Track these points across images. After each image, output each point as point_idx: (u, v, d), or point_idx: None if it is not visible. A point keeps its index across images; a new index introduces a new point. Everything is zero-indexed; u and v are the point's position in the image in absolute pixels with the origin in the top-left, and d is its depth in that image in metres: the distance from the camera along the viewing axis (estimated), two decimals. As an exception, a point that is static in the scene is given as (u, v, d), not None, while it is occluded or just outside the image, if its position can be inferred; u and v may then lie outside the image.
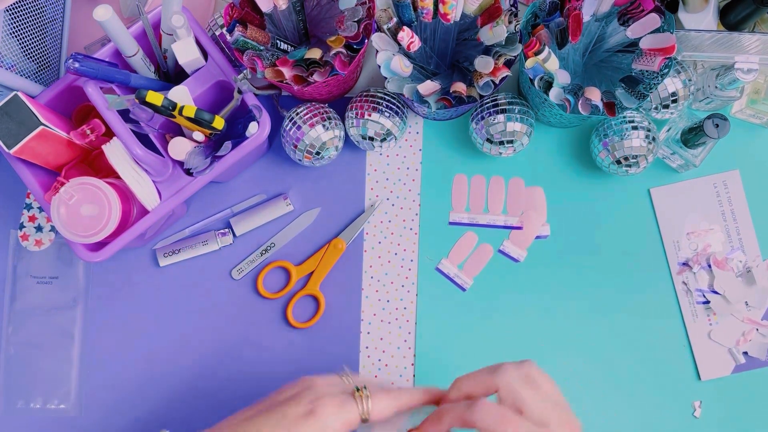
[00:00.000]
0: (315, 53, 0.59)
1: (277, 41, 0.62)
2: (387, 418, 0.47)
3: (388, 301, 0.69)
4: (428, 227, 0.70)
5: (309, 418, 0.45)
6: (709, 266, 0.68)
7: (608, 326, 0.69)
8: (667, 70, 0.59)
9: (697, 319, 0.68)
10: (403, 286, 0.69)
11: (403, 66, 0.59)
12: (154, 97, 0.54)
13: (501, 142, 0.64)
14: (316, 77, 0.60)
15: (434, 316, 0.69)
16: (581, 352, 0.68)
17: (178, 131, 0.63)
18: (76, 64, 0.53)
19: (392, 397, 0.48)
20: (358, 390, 0.47)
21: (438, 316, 0.69)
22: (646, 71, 0.61)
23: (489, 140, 0.65)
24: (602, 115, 0.60)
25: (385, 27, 0.61)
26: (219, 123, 0.58)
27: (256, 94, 0.62)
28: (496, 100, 0.64)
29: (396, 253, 0.70)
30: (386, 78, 0.61)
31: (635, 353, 0.68)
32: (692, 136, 0.64)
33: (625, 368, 0.68)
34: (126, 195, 0.61)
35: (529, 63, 0.60)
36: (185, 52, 0.59)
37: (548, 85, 0.61)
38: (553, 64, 0.60)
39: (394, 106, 0.65)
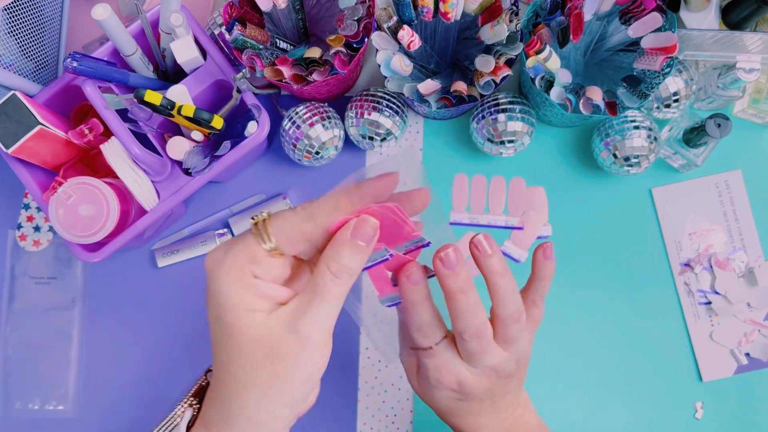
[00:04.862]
0: (314, 52, 0.59)
1: (277, 40, 0.62)
2: (301, 239, 0.34)
3: (388, 301, 0.69)
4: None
5: (208, 284, 0.34)
6: (711, 267, 0.68)
7: (609, 327, 0.68)
8: (668, 70, 0.59)
9: (698, 320, 0.68)
10: (403, 286, 0.69)
11: (403, 65, 0.59)
12: (153, 97, 0.53)
13: (502, 142, 0.64)
14: (315, 76, 0.59)
15: (434, 317, 0.68)
16: (582, 353, 0.68)
17: (177, 131, 0.63)
18: (75, 63, 0.53)
19: (305, 210, 0.34)
20: (253, 218, 0.35)
21: (438, 317, 0.68)
22: (648, 70, 0.60)
23: (490, 140, 0.64)
24: (604, 114, 0.59)
25: (385, 26, 0.60)
26: (218, 122, 0.58)
27: (255, 94, 0.62)
28: (496, 99, 0.64)
29: (396, 254, 0.69)
30: (386, 77, 0.60)
31: (636, 354, 0.68)
32: (694, 135, 0.63)
33: (626, 369, 0.68)
34: (124, 195, 0.61)
35: (530, 62, 0.59)
36: (184, 51, 0.59)
37: (549, 84, 0.61)
38: (554, 63, 0.59)
39: (394, 106, 0.65)
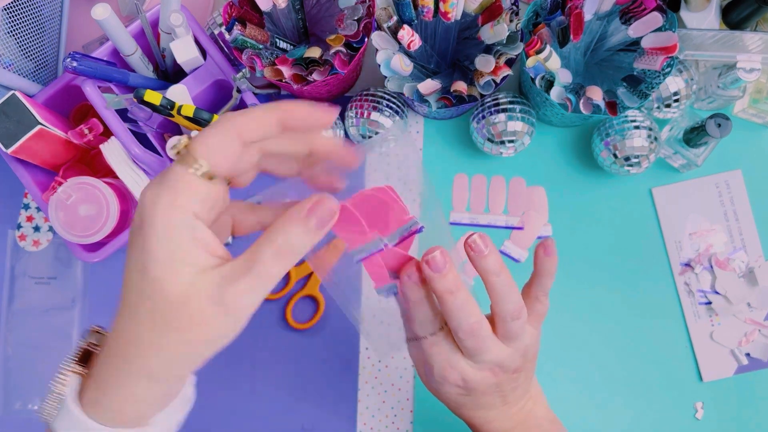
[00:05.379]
0: (314, 52, 0.59)
1: (277, 40, 0.62)
2: (231, 153, 0.32)
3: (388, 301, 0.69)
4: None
5: (138, 228, 0.31)
6: (711, 267, 0.68)
7: (609, 326, 0.68)
8: (669, 69, 0.59)
9: (699, 320, 0.68)
10: (403, 286, 0.69)
11: (403, 65, 0.59)
12: (153, 96, 0.53)
13: (502, 142, 0.64)
14: (315, 76, 0.59)
15: (434, 317, 0.68)
16: (582, 352, 0.68)
17: (177, 130, 0.63)
18: (75, 63, 0.53)
19: (227, 122, 0.32)
20: (174, 147, 0.33)
21: (438, 317, 0.68)
22: (648, 70, 0.60)
23: (490, 140, 0.64)
24: (604, 114, 0.59)
25: (385, 25, 0.60)
26: (218, 122, 0.58)
27: (255, 93, 0.62)
28: (497, 99, 0.64)
29: (396, 254, 0.69)
30: (386, 77, 0.60)
31: (636, 354, 0.68)
32: (694, 135, 0.63)
33: (626, 369, 0.68)
34: (124, 194, 0.61)
35: (531, 62, 0.59)
36: (184, 51, 0.59)
37: (549, 84, 0.61)
38: (554, 63, 0.59)
39: (394, 106, 0.64)
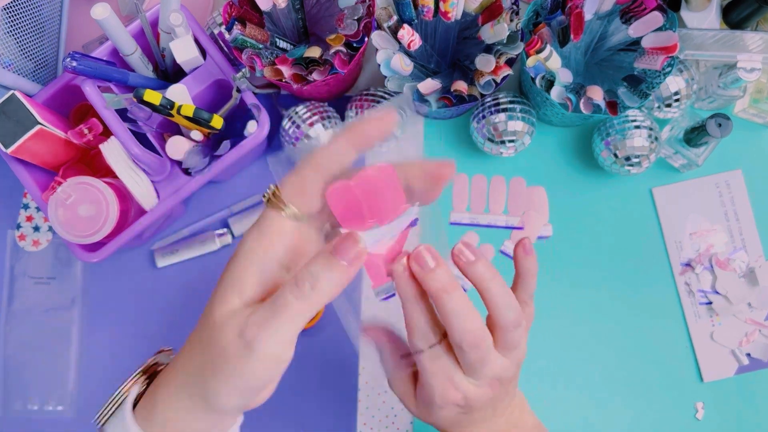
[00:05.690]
0: (314, 52, 0.59)
1: (276, 40, 0.62)
2: (313, 192, 0.34)
3: (388, 301, 0.69)
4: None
5: (228, 267, 0.35)
6: (712, 267, 0.68)
7: (610, 327, 0.68)
8: (669, 69, 0.59)
9: (699, 320, 0.68)
10: (403, 286, 0.69)
11: (403, 64, 0.59)
12: (152, 96, 0.53)
13: (502, 142, 0.64)
14: (315, 76, 0.59)
15: (435, 317, 0.68)
16: (583, 352, 0.68)
17: (177, 130, 0.63)
18: (74, 63, 0.52)
19: (306, 161, 0.34)
20: (264, 195, 0.35)
21: (438, 317, 0.68)
22: (649, 70, 0.60)
23: (490, 139, 0.64)
24: (604, 114, 0.59)
25: (385, 25, 0.60)
26: (217, 122, 0.58)
27: (255, 93, 0.62)
28: (497, 99, 0.64)
29: (396, 254, 0.69)
30: (386, 77, 0.60)
31: (637, 354, 0.68)
32: (695, 135, 0.63)
33: (626, 369, 0.67)
34: (124, 195, 0.61)
35: (531, 61, 0.59)
36: (183, 51, 0.59)
37: (550, 83, 0.60)
38: (554, 62, 0.59)
39: (394, 105, 0.64)
